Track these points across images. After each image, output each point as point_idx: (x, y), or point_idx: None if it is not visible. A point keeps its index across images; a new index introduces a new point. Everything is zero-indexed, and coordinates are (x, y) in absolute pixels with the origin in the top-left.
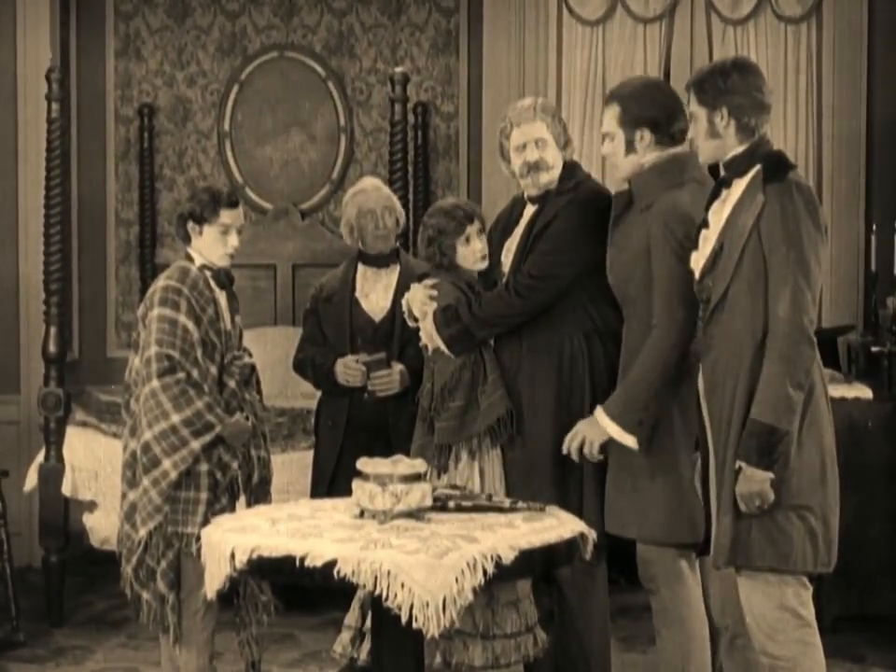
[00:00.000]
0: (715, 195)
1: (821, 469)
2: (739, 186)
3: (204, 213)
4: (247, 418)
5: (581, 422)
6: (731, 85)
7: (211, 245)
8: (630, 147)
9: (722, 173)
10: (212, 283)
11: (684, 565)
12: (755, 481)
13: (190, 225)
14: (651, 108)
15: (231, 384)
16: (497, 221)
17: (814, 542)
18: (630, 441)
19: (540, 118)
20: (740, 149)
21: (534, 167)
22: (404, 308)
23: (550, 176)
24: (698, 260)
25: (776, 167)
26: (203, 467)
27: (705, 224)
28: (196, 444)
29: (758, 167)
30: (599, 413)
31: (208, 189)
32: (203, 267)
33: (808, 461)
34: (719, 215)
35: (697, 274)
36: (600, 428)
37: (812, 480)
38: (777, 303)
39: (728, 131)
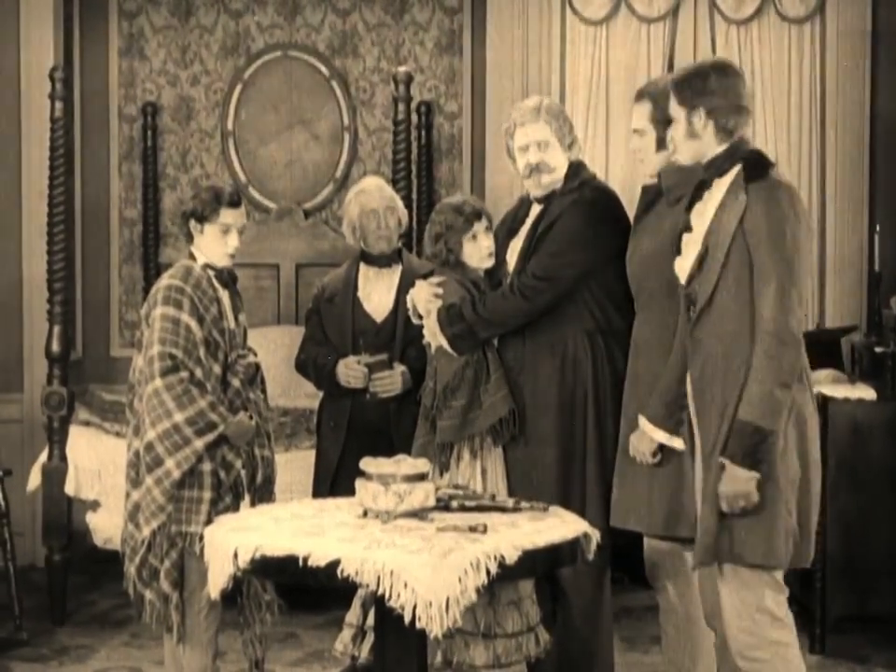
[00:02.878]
0: (696, 198)
1: (804, 467)
2: (720, 187)
3: (205, 211)
4: (251, 417)
5: (632, 435)
6: (709, 87)
7: (211, 245)
8: (661, 144)
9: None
10: (215, 282)
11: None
12: (740, 480)
13: (192, 223)
14: None
15: (235, 382)
16: (502, 221)
17: (795, 539)
18: (678, 443)
19: (544, 119)
20: (719, 150)
21: (536, 168)
22: (409, 305)
23: (552, 178)
24: (682, 265)
25: (755, 166)
26: (207, 466)
27: (687, 228)
28: (199, 443)
29: (738, 167)
30: (643, 421)
31: (211, 188)
32: (206, 266)
33: (790, 460)
34: (701, 217)
35: (683, 279)
36: (647, 437)
37: (793, 479)
38: (762, 304)
39: (706, 131)
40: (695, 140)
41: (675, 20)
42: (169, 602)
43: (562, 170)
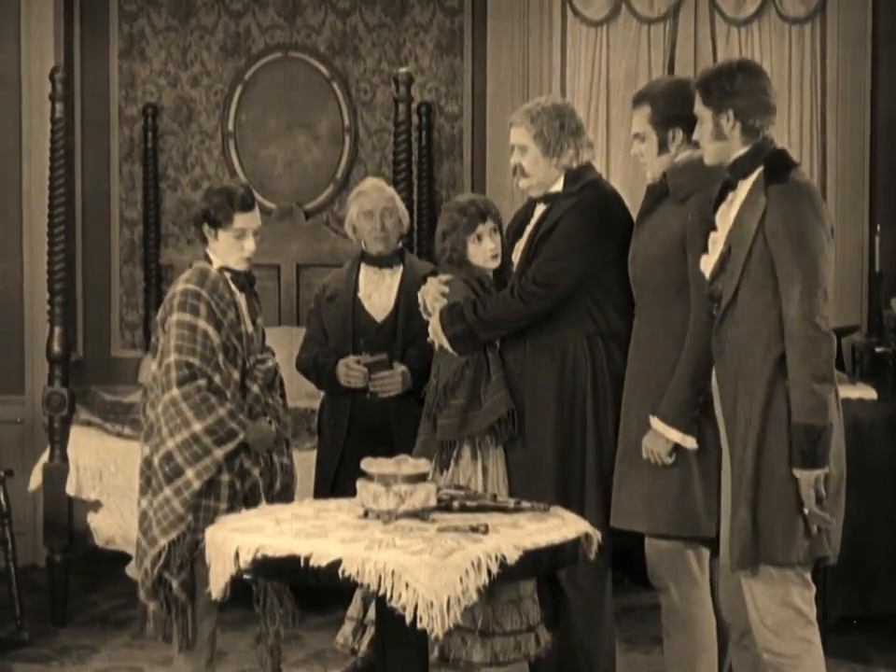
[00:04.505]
0: (721, 198)
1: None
2: (744, 187)
3: (218, 217)
4: (270, 423)
5: (645, 438)
6: (736, 87)
7: (227, 250)
8: (663, 146)
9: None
10: (232, 285)
11: (693, 563)
12: (807, 483)
13: (206, 228)
14: (682, 107)
15: (255, 388)
16: (513, 220)
17: (826, 535)
18: (690, 442)
19: (526, 124)
20: (744, 151)
21: (514, 171)
22: (420, 301)
23: (528, 183)
24: (708, 263)
25: (777, 167)
26: (225, 477)
27: (713, 227)
28: (219, 453)
29: (761, 168)
30: (655, 421)
31: (223, 191)
32: (222, 268)
33: None
34: (726, 217)
35: (708, 277)
36: (661, 437)
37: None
38: (788, 305)
39: (734, 133)
40: (722, 141)
41: (675, 20)
42: (182, 611)
43: (539, 176)
